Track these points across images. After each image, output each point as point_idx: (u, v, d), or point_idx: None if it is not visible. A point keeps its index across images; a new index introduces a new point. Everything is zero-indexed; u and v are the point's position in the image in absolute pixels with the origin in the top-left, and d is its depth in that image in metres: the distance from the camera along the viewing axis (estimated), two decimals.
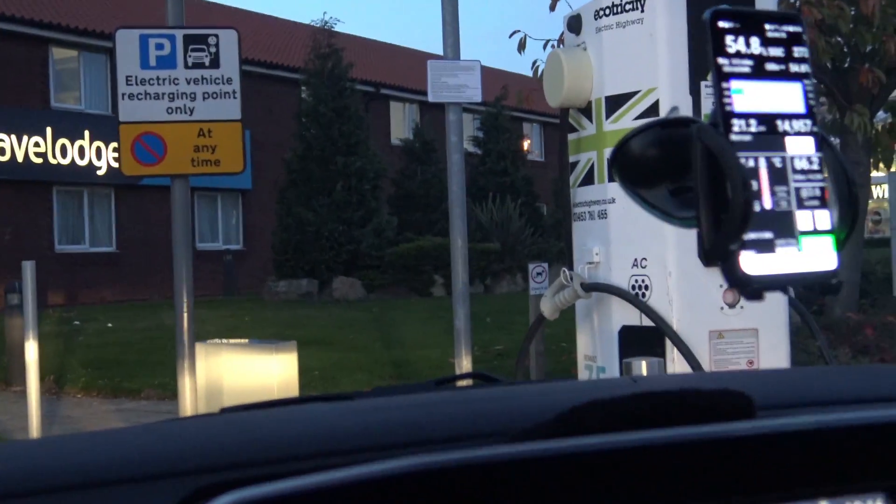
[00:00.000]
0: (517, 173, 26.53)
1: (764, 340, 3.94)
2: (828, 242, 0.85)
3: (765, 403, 0.89)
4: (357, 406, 1.12)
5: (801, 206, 0.85)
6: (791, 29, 0.89)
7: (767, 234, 0.82)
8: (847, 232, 0.88)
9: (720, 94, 0.85)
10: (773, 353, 3.94)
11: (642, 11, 4.12)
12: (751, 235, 0.81)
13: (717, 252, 0.81)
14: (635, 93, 4.15)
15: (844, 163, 0.90)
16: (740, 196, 0.79)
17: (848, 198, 0.89)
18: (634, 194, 0.93)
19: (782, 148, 0.86)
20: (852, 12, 8.74)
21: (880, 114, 10.43)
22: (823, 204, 0.86)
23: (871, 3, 8.29)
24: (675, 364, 3.79)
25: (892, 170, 11.68)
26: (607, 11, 4.26)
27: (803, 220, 0.85)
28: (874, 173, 12.07)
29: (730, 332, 3.90)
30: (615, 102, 4.24)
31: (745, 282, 0.80)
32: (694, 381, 1.14)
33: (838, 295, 7.75)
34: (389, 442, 0.89)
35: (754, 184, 0.83)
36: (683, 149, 0.86)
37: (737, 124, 0.84)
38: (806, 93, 0.89)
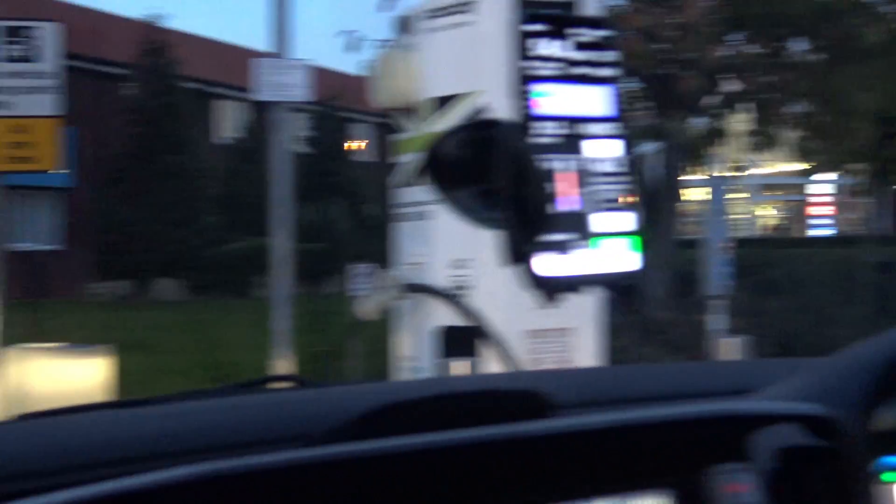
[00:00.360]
0: (347, 174, 26.47)
1: (578, 340, 4.03)
2: (628, 244, 0.87)
3: (561, 402, 0.90)
4: (155, 412, 1.08)
5: (601, 208, 0.86)
6: (601, 33, 0.90)
7: (563, 236, 0.83)
8: (650, 233, 0.90)
9: (523, 97, 0.86)
10: (587, 352, 4.05)
11: (471, 14, 4.15)
12: (547, 237, 0.82)
13: (516, 253, 0.81)
14: (462, 95, 4.19)
15: (649, 167, 0.92)
16: (535, 198, 0.80)
17: (650, 200, 0.91)
18: (445, 196, 0.93)
19: (585, 151, 0.87)
20: (676, 20, 9.10)
21: (699, 119, 10.89)
22: (625, 206, 0.87)
23: (694, 11, 8.64)
24: (493, 364, 3.85)
25: (714, 174, 12.18)
26: (438, 13, 4.28)
27: (603, 221, 0.86)
28: (690, 177, 12.58)
29: (546, 331, 3.98)
30: (442, 104, 4.26)
31: (540, 283, 0.80)
32: (492, 381, 1.15)
33: (643, 295, 8.03)
34: (184, 448, 0.86)
35: (553, 186, 0.83)
36: (490, 151, 0.86)
37: (539, 127, 0.85)
38: (614, 97, 0.90)
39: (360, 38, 8.88)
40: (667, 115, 9.54)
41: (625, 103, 10.29)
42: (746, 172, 11.24)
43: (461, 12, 4.19)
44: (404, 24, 4.50)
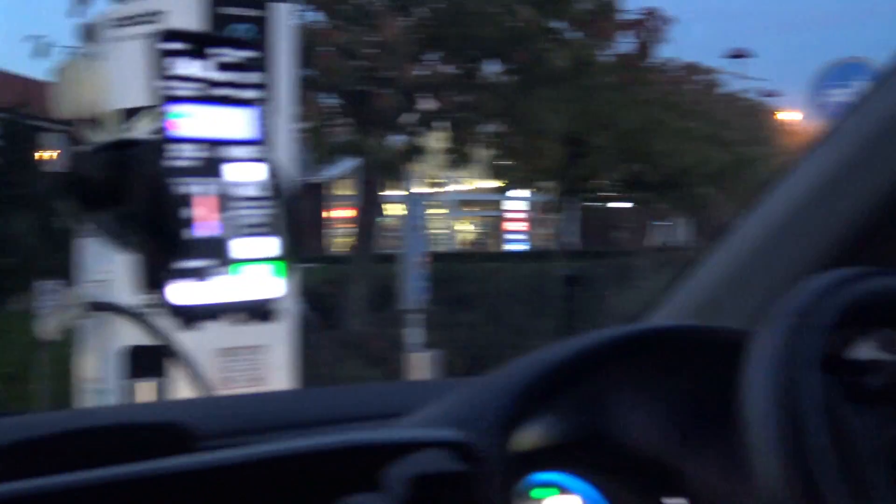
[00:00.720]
0: (36, 185, 25.01)
1: (271, 357, 4.00)
2: (272, 269, 0.85)
3: (211, 432, 0.87)
4: None
5: (243, 233, 0.84)
6: (246, 54, 0.88)
7: (202, 263, 0.81)
8: (289, 259, 0.89)
9: (162, 118, 0.82)
10: (281, 370, 4.02)
11: (160, 24, 4.03)
12: (184, 263, 0.79)
13: (152, 279, 0.78)
14: (147, 107, 4.05)
15: (292, 190, 0.91)
16: (171, 223, 0.77)
17: (294, 225, 0.90)
18: (85, 217, 0.88)
19: (227, 175, 0.84)
20: (374, 38, 9.24)
21: (397, 136, 11.11)
22: (268, 231, 0.86)
23: (392, 31, 8.81)
24: (182, 384, 3.74)
25: (411, 190, 12.45)
26: (125, 22, 4.12)
27: (245, 247, 0.84)
28: (389, 192, 12.82)
29: (237, 349, 3.92)
30: (129, 115, 4.10)
31: (178, 310, 0.77)
32: (140, 412, 1.10)
33: (343, 309, 8.04)
34: None
35: (191, 210, 0.80)
36: (128, 171, 0.82)
37: (177, 149, 0.82)
38: (259, 119, 0.89)
39: (48, 44, 8.43)
40: (365, 131, 9.67)
41: (324, 119, 10.40)
42: (444, 189, 11.58)
43: (149, 22, 4.06)
44: (91, 32, 4.31)
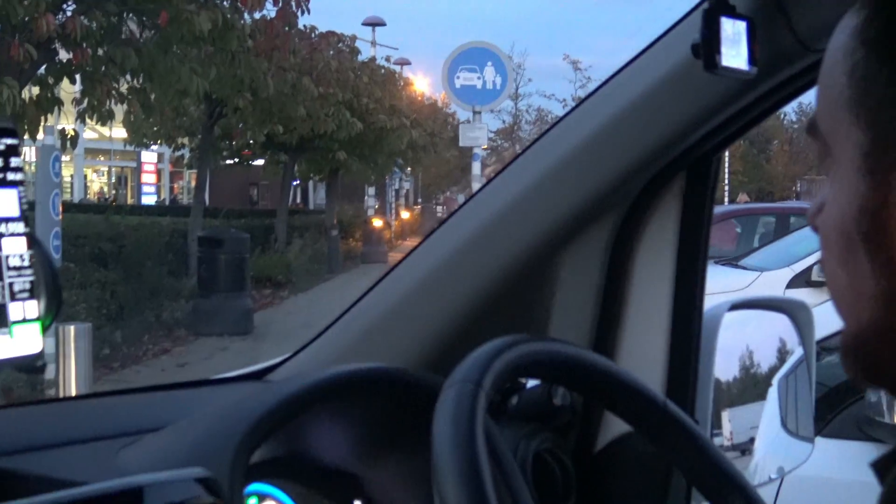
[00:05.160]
0: None
1: None
2: (35, 329, 1.00)
3: None
4: None
5: (13, 298, 0.98)
6: (8, 141, 1.00)
7: None
8: (52, 317, 1.03)
9: None
10: None
11: None
12: None
13: None
14: None
15: (51, 259, 1.05)
16: None
17: (52, 288, 1.03)
18: None
19: (4, 247, 0.97)
20: None
21: (30, 87, 10.60)
22: (32, 295, 1.00)
23: None
24: None
25: (39, 139, 11.88)
26: None
27: (15, 310, 0.98)
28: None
29: None
30: None
31: None
32: None
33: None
34: None
35: None
36: None
37: None
38: (19, 198, 1.01)
39: None
40: None
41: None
42: (78, 139, 11.18)
43: None
44: None
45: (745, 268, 9.30)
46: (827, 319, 3.11)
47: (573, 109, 1.38)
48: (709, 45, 1.11)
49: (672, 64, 1.24)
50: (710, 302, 1.52)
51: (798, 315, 1.66)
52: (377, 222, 28.63)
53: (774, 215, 14.37)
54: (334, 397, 1.18)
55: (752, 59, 1.16)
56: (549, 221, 1.35)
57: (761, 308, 1.66)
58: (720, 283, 7.99)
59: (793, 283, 8.61)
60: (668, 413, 1.11)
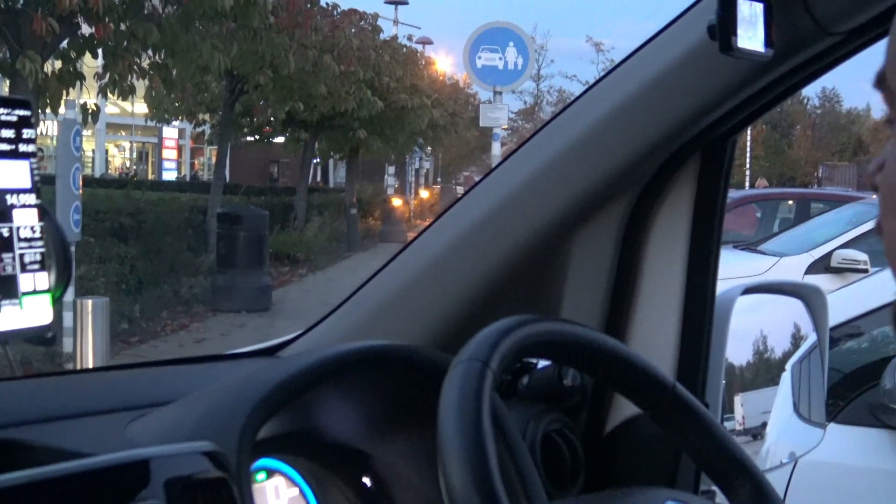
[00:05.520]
0: None
1: None
2: (46, 300, 1.00)
3: None
4: None
5: (24, 269, 0.98)
6: (21, 113, 1.01)
7: None
8: (63, 289, 1.03)
9: None
10: None
11: None
12: None
13: None
14: None
15: (61, 230, 1.05)
16: None
17: (63, 260, 1.04)
18: None
19: (10, 219, 0.98)
20: None
21: (53, 61, 10.62)
22: (42, 267, 1.00)
23: None
24: None
25: (61, 113, 11.93)
26: None
27: (26, 282, 0.98)
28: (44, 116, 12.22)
29: None
30: None
31: None
32: None
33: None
34: None
35: None
36: None
37: None
38: (32, 170, 1.02)
39: None
40: (19, 53, 9.18)
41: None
42: (99, 114, 11.20)
43: None
44: None
45: (764, 253, 9.25)
46: (844, 305, 3.10)
47: (588, 90, 1.37)
48: (725, 26, 1.10)
49: (688, 45, 1.23)
50: (727, 286, 1.51)
51: (812, 300, 1.65)
52: (396, 201, 28.61)
53: (795, 201, 14.28)
54: (344, 374, 1.18)
55: (768, 42, 1.15)
56: (562, 202, 1.35)
57: (775, 292, 1.65)
58: (739, 268, 7.96)
59: (812, 269, 8.56)
60: (677, 396, 1.11)
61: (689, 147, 1.33)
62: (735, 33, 1.10)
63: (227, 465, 0.99)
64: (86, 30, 10.55)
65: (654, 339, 1.40)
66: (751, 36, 1.13)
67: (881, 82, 0.72)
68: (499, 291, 1.39)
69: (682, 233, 1.38)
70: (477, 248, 1.39)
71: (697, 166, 1.37)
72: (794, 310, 1.71)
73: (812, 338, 1.75)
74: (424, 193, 41.53)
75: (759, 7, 1.14)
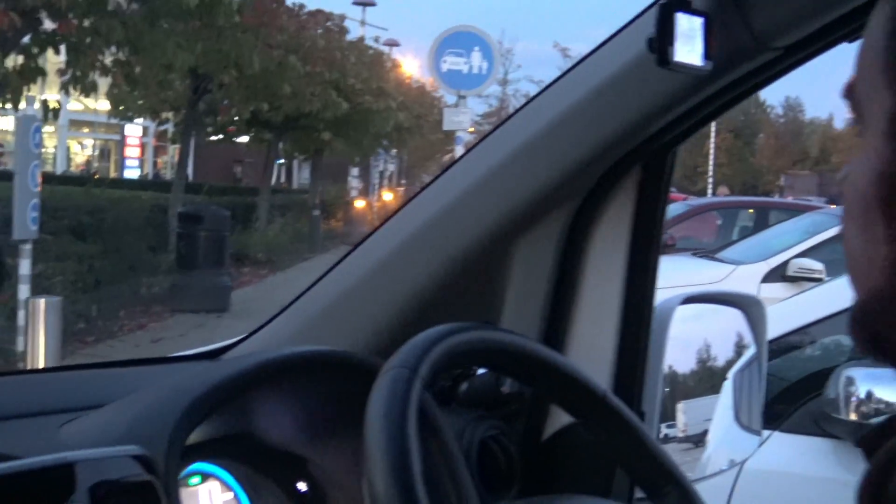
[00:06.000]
0: None
1: None
2: None
3: None
4: None
5: None
6: None
7: None
8: None
9: None
10: None
11: None
12: None
13: None
14: None
15: None
16: None
17: None
18: None
19: None
20: None
21: (14, 56, 10.52)
22: None
23: None
24: None
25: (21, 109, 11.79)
26: None
27: None
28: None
29: None
30: None
31: None
32: None
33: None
34: None
35: None
36: None
37: None
38: None
39: None
40: None
41: None
42: (60, 111, 11.10)
43: None
44: None
45: (721, 260, 9.33)
46: (797, 312, 3.12)
47: (531, 100, 1.38)
48: (663, 40, 1.11)
49: (630, 57, 1.24)
50: (682, 293, 1.52)
51: (751, 310, 1.67)
52: (359, 203, 28.58)
53: (755, 209, 14.42)
54: (281, 379, 1.18)
55: (707, 55, 1.16)
56: (503, 210, 1.35)
57: (714, 302, 1.67)
58: (697, 276, 8.02)
59: (768, 278, 8.65)
60: (608, 404, 1.12)
61: (630, 158, 1.34)
62: (673, 47, 1.12)
63: (155, 468, 0.99)
64: (48, 25, 10.46)
65: (592, 347, 1.41)
66: (689, 50, 1.14)
67: (849, 93, 0.73)
68: (441, 298, 1.40)
69: (622, 242, 1.40)
70: (419, 255, 1.40)
71: (638, 177, 1.38)
72: (737, 319, 1.73)
73: (754, 347, 1.78)
74: (388, 195, 41.51)
75: (699, 21, 1.15)
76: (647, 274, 1.41)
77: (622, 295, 1.40)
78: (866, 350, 0.73)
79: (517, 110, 1.40)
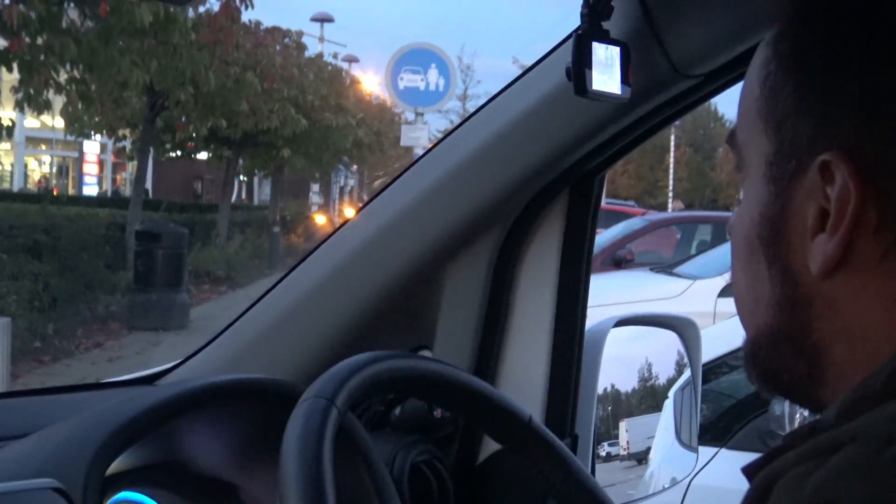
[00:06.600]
0: None
1: None
2: None
3: None
4: None
5: None
6: None
7: None
8: None
9: None
10: None
11: None
12: None
13: None
14: None
15: None
16: None
17: None
18: None
19: None
20: None
21: None
22: None
23: None
24: None
25: None
26: None
27: None
28: None
29: None
30: None
31: None
32: None
33: None
34: None
35: None
36: None
37: None
38: None
39: None
40: None
41: None
42: (14, 129, 10.99)
43: None
44: None
45: (679, 275, 9.37)
46: (734, 332, 3.17)
47: (458, 126, 1.39)
48: (580, 68, 1.13)
49: (552, 85, 1.26)
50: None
51: (685, 332, 1.69)
52: (320, 218, 28.52)
53: (713, 223, 14.52)
54: (208, 406, 1.18)
55: (625, 84, 1.18)
56: (432, 237, 1.36)
57: (647, 325, 1.69)
58: (653, 290, 8.06)
59: (725, 292, 8.70)
60: (533, 429, 1.13)
61: (557, 183, 1.36)
62: (590, 76, 1.13)
63: (73, 500, 0.99)
64: (1, 43, 10.37)
65: (524, 371, 1.42)
66: (607, 78, 1.16)
67: (731, 138, 0.76)
68: (371, 325, 1.41)
69: (551, 267, 1.41)
70: (350, 282, 1.41)
71: (566, 202, 1.40)
72: (677, 339, 1.75)
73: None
74: (349, 211, 41.43)
75: (616, 50, 1.17)
76: (577, 298, 1.42)
77: (552, 319, 1.41)
78: (761, 386, 0.75)
79: (442, 137, 1.41)
